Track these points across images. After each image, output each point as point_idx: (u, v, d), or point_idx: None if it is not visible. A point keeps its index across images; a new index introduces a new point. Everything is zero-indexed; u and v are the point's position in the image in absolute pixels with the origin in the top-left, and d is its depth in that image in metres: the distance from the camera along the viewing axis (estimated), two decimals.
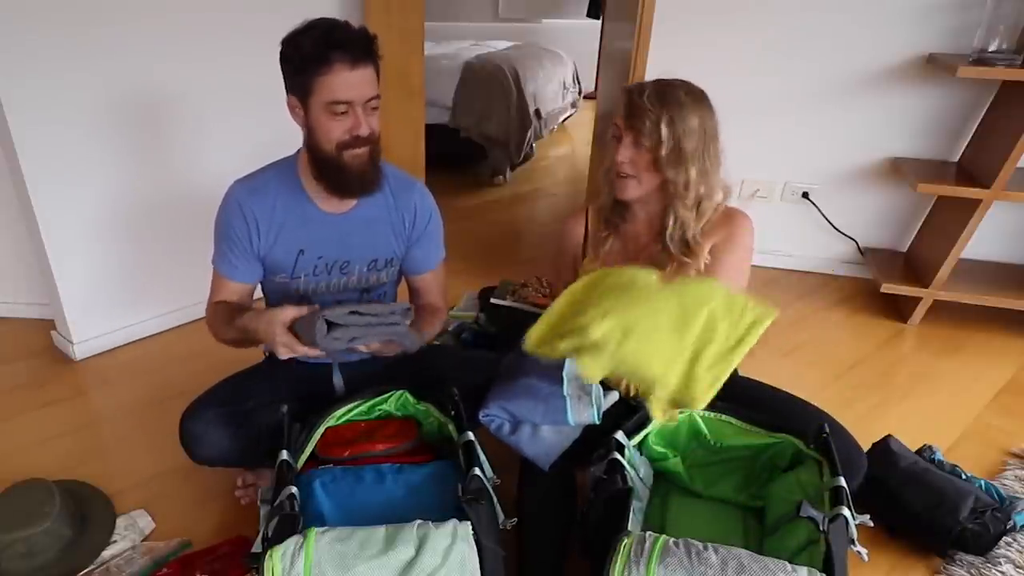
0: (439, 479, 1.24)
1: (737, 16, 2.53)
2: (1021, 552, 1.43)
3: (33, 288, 2.25)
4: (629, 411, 1.31)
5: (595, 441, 1.26)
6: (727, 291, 1.16)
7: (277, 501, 1.08)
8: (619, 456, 1.18)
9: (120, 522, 1.49)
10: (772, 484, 1.30)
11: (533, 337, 1.19)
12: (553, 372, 1.24)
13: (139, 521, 1.50)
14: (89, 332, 2.13)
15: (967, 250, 2.30)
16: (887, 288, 2.42)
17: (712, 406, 1.31)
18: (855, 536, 1.04)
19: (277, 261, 1.41)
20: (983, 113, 2.37)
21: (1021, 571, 1.40)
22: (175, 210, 2.16)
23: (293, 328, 1.21)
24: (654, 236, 1.41)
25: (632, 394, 1.38)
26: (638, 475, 1.25)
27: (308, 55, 1.21)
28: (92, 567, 1.38)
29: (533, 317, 1.30)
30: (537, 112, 4.06)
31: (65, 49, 1.81)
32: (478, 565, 1.02)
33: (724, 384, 1.28)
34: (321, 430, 1.32)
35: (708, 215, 1.36)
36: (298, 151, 1.41)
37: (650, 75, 2.39)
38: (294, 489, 1.10)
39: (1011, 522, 1.45)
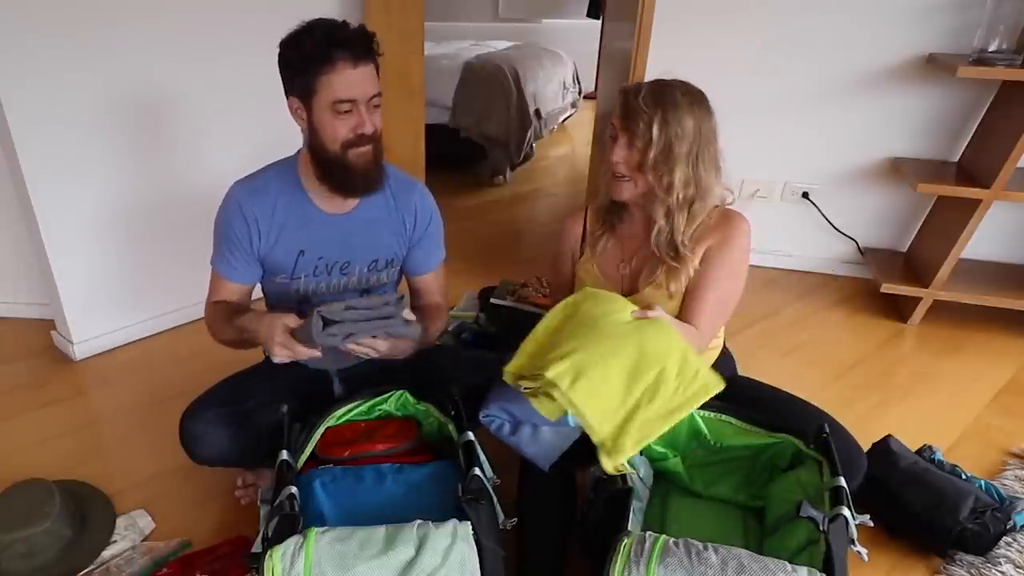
0: (439, 479, 1.24)
1: (737, 16, 2.53)
2: (1021, 552, 1.43)
3: (33, 288, 2.25)
4: None
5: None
6: (686, 351, 1.19)
7: (277, 501, 1.08)
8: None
9: (120, 522, 1.49)
10: (772, 484, 1.30)
11: (511, 367, 1.22)
12: None
13: (139, 521, 1.50)
14: (89, 332, 2.13)
15: (967, 250, 2.31)
16: (887, 288, 2.42)
17: (712, 406, 1.31)
18: (855, 536, 1.04)
19: (277, 262, 1.41)
20: (983, 113, 2.37)
21: (1021, 571, 1.40)
22: (175, 210, 2.16)
23: (293, 332, 1.21)
24: (649, 238, 1.41)
25: None
26: (638, 475, 1.25)
27: (310, 55, 1.21)
28: (92, 567, 1.38)
29: (533, 317, 1.31)
30: (537, 112, 4.06)
31: (65, 49, 1.81)
32: (478, 565, 1.02)
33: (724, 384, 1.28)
34: (321, 430, 1.32)
35: (700, 218, 1.34)
36: (298, 151, 1.41)
37: (650, 75, 2.38)
38: (294, 489, 1.10)
39: (1011, 522, 1.45)
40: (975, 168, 2.32)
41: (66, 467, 1.65)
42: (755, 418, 1.32)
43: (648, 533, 1.01)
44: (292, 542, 0.98)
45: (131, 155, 2.04)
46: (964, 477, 1.56)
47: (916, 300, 2.40)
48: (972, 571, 1.40)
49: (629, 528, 1.07)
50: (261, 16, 2.09)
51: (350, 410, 1.37)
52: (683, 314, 1.37)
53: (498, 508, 1.14)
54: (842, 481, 1.11)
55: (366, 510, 1.16)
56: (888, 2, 2.36)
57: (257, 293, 1.50)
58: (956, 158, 2.49)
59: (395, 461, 1.30)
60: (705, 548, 0.97)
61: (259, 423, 1.36)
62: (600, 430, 1.13)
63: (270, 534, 1.02)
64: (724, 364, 1.53)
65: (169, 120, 2.09)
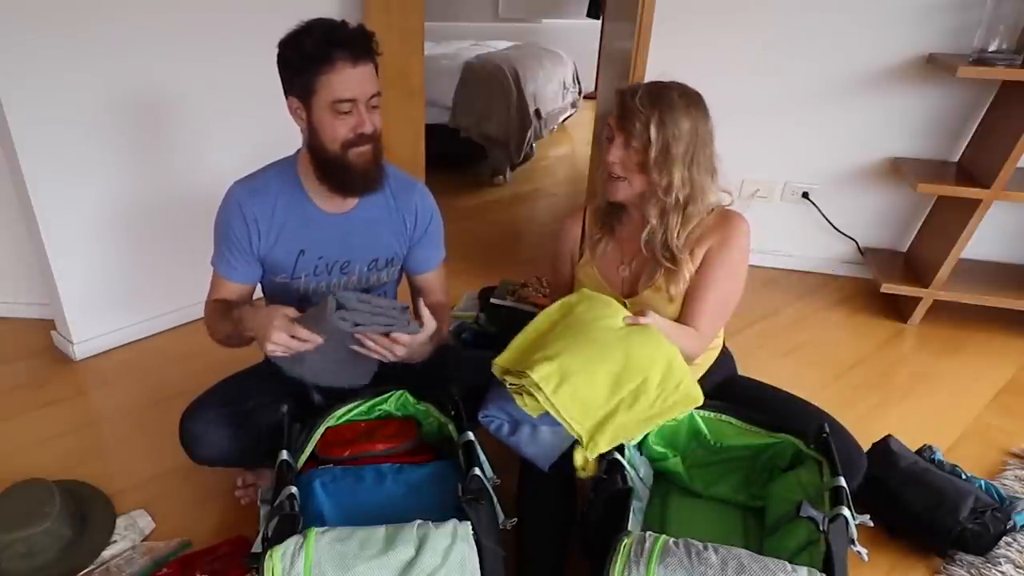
0: (439, 479, 1.24)
1: (737, 16, 2.53)
2: (1021, 552, 1.43)
3: (33, 288, 2.25)
4: None
5: None
6: (671, 360, 1.21)
7: (277, 501, 1.08)
8: (619, 456, 1.18)
9: (120, 522, 1.49)
10: (772, 484, 1.30)
11: (500, 360, 1.24)
12: None
13: (139, 521, 1.50)
14: (89, 332, 2.13)
15: (967, 250, 2.31)
16: (887, 288, 2.42)
17: (712, 406, 1.32)
18: (855, 536, 1.04)
19: (278, 261, 1.41)
20: (983, 113, 2.37)
21: (1021, 571, 1.40)
22: (175, 210, 2.16)
23: (298, 318, 1.21)
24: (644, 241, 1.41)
25: None
26: (638, 475, 1.25)
27: (310, 55, 1.22)
28: (92, 567, 1.38)
29: (533, 317, 1.31)
30: (537, 112, 4.06)
31: (65, 49, 1.81)
32: (478, 565, 1.02)
33: (724, 384, 1.29)
34: (321, 430, 1.32)
35: (696, 220, 1.34)
36: (297, 151, 1.41)
37: (650, 75, 2.39)
38: (294, 489, 1.10)
39: (1011, 522, 1.45)
40: (975, 168, 2.32)
41: (66, 467, 1.65)
42: (755, 418, 1.32)
43: (648, 533, 1.01)
44: (292, 542, 0.98)
45: (131, 155, 2.04)
46: (964, 477, 1.56)
47: (916, 300, 2.40)
48: (972, 571, 1.40)
49: (629, 528, 1.07)
50: (261, 16, 2.09)
51: (350, 410, 1.37)
52: (683, 315, 1.37)
53: (498, 508, 1.14)
54: (842, 481, 1.11)
55: (366, 510, 1.16)
56: (888, 2, 2.36)
57: (257, 293, 1.50)
58: (956, 158, 2.49)
59: (395, 461, 1.30)
60: (705, 548, 0.97)
61: (259, 423, 1.36)
62: (578, 426, 1.16)
63: (270, 534, 1.02)
64: (724, 364, 1.53)
65: (169, 120, 2.09)
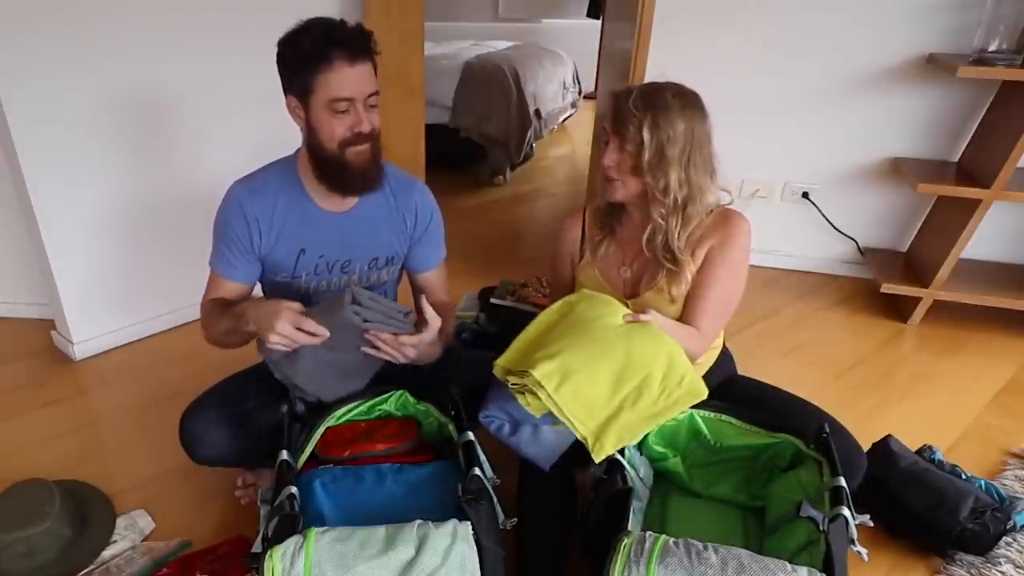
0: (439, 479, 1.24)
1: (737, 16, 2.53)
2: (1021, 552, 1.43)
3: (33, 288, 2.25)
4: None
5: None
6: (673, 355, 1.21)
7: (277, 501, 1.07)
8: (619, 456, 1.18)
9: (120, 522, 1.49)
10: (772, 484, 1.30)
11: (501, 361, 1.24)
12: None
13: (139, 521, 1.50)
14: (89, 332, 2.13)
15: (967, 250, 2.31)
16: (887, 288, 2.42)
17: (712, 406, 1.31)
18: (855, 536, 1.04)
19: (278, 261, 1.41)
20: (983, 113, 2.37)
21: (1021, 571, 1.40)
22: (175, 210, 2.16)
23: (306, 312, 1.22)
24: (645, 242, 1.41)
25: None
26: (638, 475, 1.25)
27: (307, 54, 1.22)
28: (92, 567, 1.38)
29: (533, 317, 1.31)
30: (537, 112, 4.06)
31: (65, 49, 1.81)
32: (478, 565, 1.02)
33: (724, 384, 1.29)
34: (321, 430, 1.32)
35: (695, 221, 1.34)
36: (297, 150, 1.41)
37: (650, 75, 2.40)
38: (294, 489, 1.10)
39: (1011, 522, 1.45)
40: (975, 168, 2.32)
41: (66, 467, 1.65)
42: (755, 418, 1.32)
43: (648, 533, 1.01)
44: (292, 542, 0.98)
45: (131, 155, 2.04)
46: (964, 477, 1.56)
47: (916, 300, 2.40)
48: (972, 571, 1.40)
49: (629, 528, 1.07)
50: (261, 16, 2.09)
51: (350, 410, 1.37)
52: (684, 315, 1.37)
53: (498, 508, 1.14)
54: (842, 481, 1.11)
55: (366, 510, 1.16)
56: (888, 2, 2.36)
57: (256, 292, 1.50)
58: (956, 158, 2.49)
59: (395, 461, 1.30)
60: (705, 548, 0.97)
61: (259, 423, 1.36)
62: (583, 428, 1.15)
63: (270, 534, 1.02)
64: (724, 364, 1.53)
65: (169, 120, 2.09)
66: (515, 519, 1.15)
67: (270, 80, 1.31)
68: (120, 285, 2.15)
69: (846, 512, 1.04)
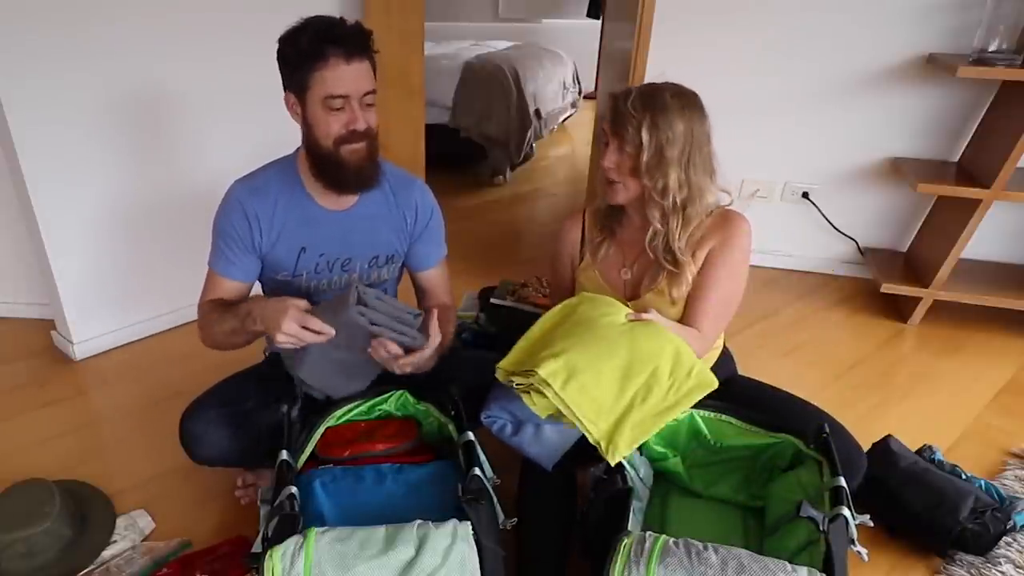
0: (439, 479, 1.24)
1: (737, 16, 2.53)
2: (1021, 552, 1.43)
3: (33, 288, 2.25)
4: None
5: None
6: (679, 349, 1.21)
7: (277, 501, 1.08)
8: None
9: (120, 522, 1.49)
10: (772, 484, 1.30)
11: (504, 364, 1.23)
12: None
13: (139, 521, 1.50)
14: (89, 332, 2.13)
15: (967, 250, 2.31)
16: (887, 288, 2.42)
17: (712, 406, 1.31)
18: (855, 536, 1.04)
19: (279, 259, 1.41)
20: (983, 113, 2.37)
21: (1021, 571, 1.40)
22: (175, 210, 2.16)
23: (311, 311, 1.21)
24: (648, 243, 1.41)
25: None
26: (638, 475, 1.25)
27: (304, 50, 1.23)
28: (92, 567, 1.38)
29: (533, 317, 1.31)
30: (537, 112, 4.06)
31: (65, 49, 1.81)
32: (478, 565, 1.02)
33: (724, 384, 1.28)
34: (321, 430, 1.32)
35: (695, 222, 1.34)
36: (297, 149, 1.41)
37: (650, 75, 2.40)
38: (294, 489, 1.10)
39: (1011, 522, 1.45)
40: (975, 168, 2.32)
41: (66, 467, 1.65)
42: (755, 418, 1.32)
43: (648, 533, 1.01)
44: (292, 542, 0.98)
45: (131, 155, 2.04)
46: (964, 477, 1.56)
47: (916, 300, 2.40)
48: (972, 571, 1.40)
49: (629, 528, 1.07)
50: (261, 16, 2.09)
51: (350, 410, 1.37)
52: (685, 316, 1.37)
53: (498, 508, 1.14)
54: (842, 481, 1.11)
55: (366, 510, 1.16)
56: (888, 2, 2.36)
57: (256, 292, 1.50)
58: (956, 158, 2.49)
59: (395, 461, 1.30)
60: (705, 548, 0.97)
61: (259, 423, 1.36)
62: (594, 430, 1.14)
63: (270, 534, 1.02)
64: (724, 364, 1.53)
65: (169, 120, 2.09)
66: (515, 519, 1.16)
67: (270, 80, 1.31)
68: (120, 285, 2.15)
69: (846, 512, 1.04)
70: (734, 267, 1.37)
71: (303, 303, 1.22)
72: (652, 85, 1.31)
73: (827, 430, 1.22)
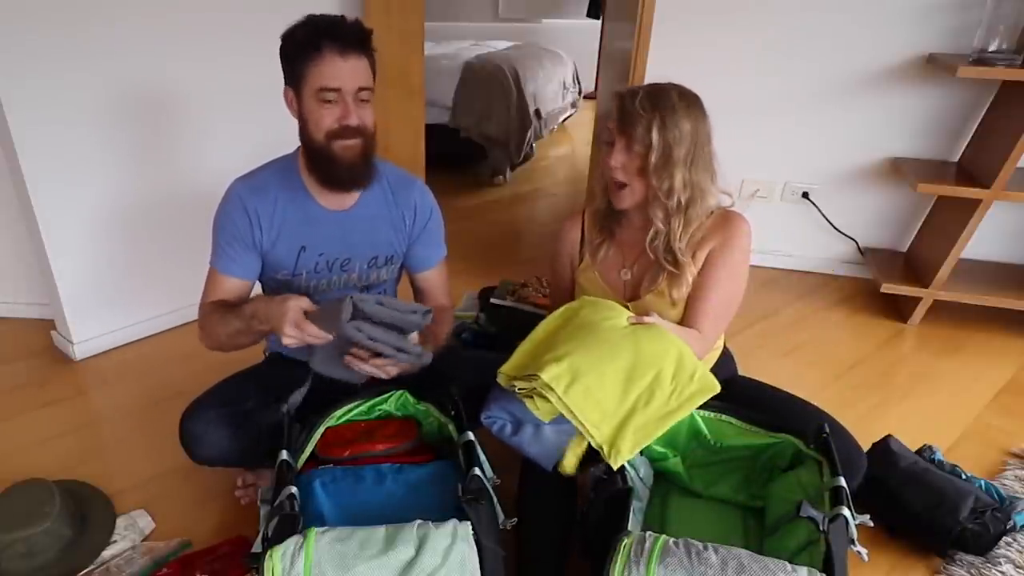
0: (439, 479, 1.24)
1: (737, 16, 2.53)
2: (1021, 552, 1.43)
3: (33, 288, 2.25)
4: None
5: None
6: (682, 352, 1.20)
7: (277, 501, 1.08)
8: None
9: (120, 522, 1.49)
10: (772, 484, 1.30)
11: (506, 368, 1.23)
12: None
13: (139, 521, 1.50)
14: (89, 332, 2.13)
15: (967, 250, 2.31)
16: (887, 288, 2.42)
17: (712, 406, 1.31)
18: (855, 536, 1.04)
19: (279, 258, 1.41)
20: (983, 113, 2.37)
21: (1021, 571, 1.40)
22: (175, 210, 2.16)
23: (309, 316, 1.20)
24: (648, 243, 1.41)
25: None
26: (638, 475, 1.25)
27: (300, 43, 1.25)
28: (92, 567, 1.38)
29: (533, 317, 1.31)
30: (537, 112, 4.06)
31: (65, 49, 1.81)
32: (478, 565, 1.02)
33: (724, 384, 1.28)
34: (321, 430, 1.32)
35: (696, 223, 1.34)
36: (298, 148, 1.41)
37: (650, 75, 2.40)
38: (294, 489, 1.10)
39: (1011, 522, 1.44)
40: (975, 168, 2.32)
41: (66, 467, 1.65)
42: (755, 418, 1.32)
43: (648, 533, 1.01)
44: (292, 542, 0.98)
45: (131, 155, 2.04)
46: (964, 477, 1.56)
47: (916, 300, 2.40)
48: (972, 571, 1.40)
49: (629, 528, 1.07)
50: (261, 16, 2.09)
51: (350, 410, 1.37)
52: (686, 317, 1.37)
53: (498, 508, 1.14)
54: (842, 481, 1.11)
55: (366, 510, 1.16)
56: (888, 2, 2.36)
57: (256, 291, 1.50)
58: (956, 158, 2.49)
59: (395, 461, 1.30)
60: (705, 548, 0.97)
61: (259, 423, 1.36)
62: (597, 434, 1.14)
63: (270, 534, 1.02)
64: (724, 364, 1.53)
65: (169, 120, 2.09)
66: (515, 519, 1.15)
67: (270, 80, 1.31)
68: (120, 285, 2.15)
69: (846, 512, 1.04)
70: (734, 268, 1.37)
71: (305, 302, 1.21)
72: (658, 85, 1.31)
73: (827, 430, 1.22)
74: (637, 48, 2.43)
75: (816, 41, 2.49)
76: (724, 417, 1.32)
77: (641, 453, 1.32)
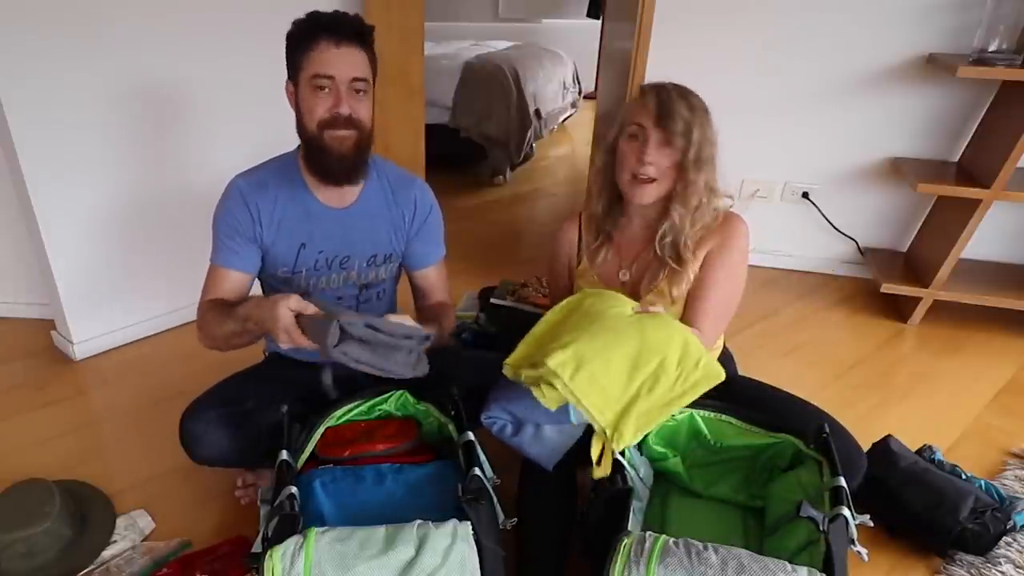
0: (439, 479, 1.24)
1: (737, 16, 2.53)
2: (1021, 552, 1.43)
3: (33, 288, 2.25)
4: None
5: None
6: (687, 340, 1.20)
7: (277, 501, 1.07)
8: (619, 456, 1.18)
9: (120, 522, 1.49)
10: (772, 484, 1.30)
11: (512, 360, 1.23)
12: None
13: (139, 521, 1.50)
14: (89, 332, 2.13)
15: (967, 250, 2.31)
16: (887, 288, 2.42)
17: (712, 406, 1.32)
18: (855, 536, 1.04)
19: (279, 255, 1.41)
20: (983, 113, 2.37)
21: (1021, 571, 1.40)
22: (175, 210, 2.16)
23: (301, 324, 1.17)
24: (649, 242, 1.41)
25: None
26: (638, 475, 1.25)
27: (298, 35, 1.27)
28: (92, 567, 1.38)
29: (533, 317, 1.31)
30: (537, 112, 4.07)
31: (65, 49, 1.81)
32: (478, 565, 1.01)
33: (724, 384, 1.29)
34: (321, 430, 1.32)
35: (704, 221, 1.35)
36: (298, 146, 1.41)
37: (650, 75, 2.40)
38: (294, 489, 1.10)
39: (1011, 522, 1.45)
40: (975, 168, 2.32)
41: (66, 467, 1.65)
42: (755, 418, 1.31)
43: (648, 533, 1.01)
44: (292, 542, 0.98)
45: (131, 155, 2.04)
46: (964, 477, 1.56)
47: (916, 300, 2.40)
48: (972, 571, 1.40)
49: (629, 528, 1.07)
50: (261, 16, 2.09)
51: (350, 410, 1.37)
52: (685, 317, 1.37)
53: (498, 508, 1.14)
54: (842, 481, 1.11)
55: (366, 510, 1.16)
56: (888, 2, 2.37)
57: (256, 290, 1.50)
58: (956, 158, 2.49)
59: (395, 461, 1.30)
60: (705, 548, 0.97)
61: (259, 423, 1.36)
62: (601, 419, 1.13)
63: (270, 534, 1.02)
64: (724, 364, 1.51)
65: (170, 120, 2.09)
66: (515, 519, 1.15)
67: (270, 80, 1.31)
68: (120, 285, 2.15)
69: (846, 512, 1.04)
70: (732, 268, 1.37)
71: (294, 302, 1.16)
72: (678, 85, 1.32)
73: (827, 430, 1.22)
74: (637, 48, 2.43)
75: (816, 41, 2.49)
76: (724, 417, 1.32)
77: (641, 453, 1.33)
